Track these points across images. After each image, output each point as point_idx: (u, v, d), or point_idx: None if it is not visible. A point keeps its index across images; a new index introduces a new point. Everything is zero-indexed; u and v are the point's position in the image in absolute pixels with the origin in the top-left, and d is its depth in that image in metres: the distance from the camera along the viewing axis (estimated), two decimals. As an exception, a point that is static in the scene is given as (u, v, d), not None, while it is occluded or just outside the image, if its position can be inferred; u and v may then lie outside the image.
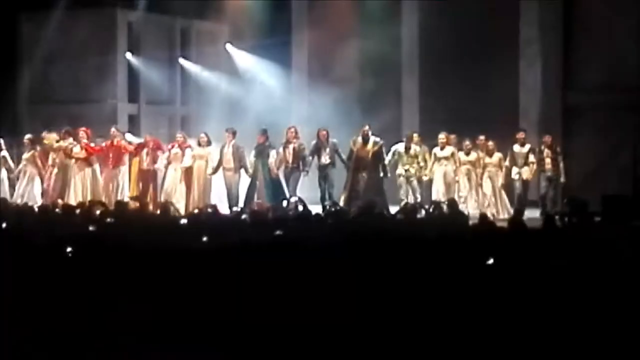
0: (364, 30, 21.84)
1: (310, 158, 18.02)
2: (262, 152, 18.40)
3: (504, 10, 20.64)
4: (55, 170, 19.12)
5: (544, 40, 20.36)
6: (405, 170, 18.04)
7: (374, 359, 6.57)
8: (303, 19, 22.96)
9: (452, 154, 18.06)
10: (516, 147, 17.79)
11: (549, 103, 19.80)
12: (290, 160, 18.18)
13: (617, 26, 19.83)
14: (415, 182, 18.00)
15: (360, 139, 17.94)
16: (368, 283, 6.98)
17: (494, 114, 19.30)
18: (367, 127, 17.97)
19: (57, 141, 19.03)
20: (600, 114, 19.92)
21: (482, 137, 18.10)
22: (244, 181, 18.41)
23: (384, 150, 17.88)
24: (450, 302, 6.74)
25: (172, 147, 19.10)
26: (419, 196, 17.80)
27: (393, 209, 13.39)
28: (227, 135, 18.54)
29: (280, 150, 18.10)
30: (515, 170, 17.72)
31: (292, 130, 18.28)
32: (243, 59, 23.65)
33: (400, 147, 18.15)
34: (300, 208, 12.89)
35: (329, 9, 22.31)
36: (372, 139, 17.91)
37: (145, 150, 19.14)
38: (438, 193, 17.85)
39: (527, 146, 17.79)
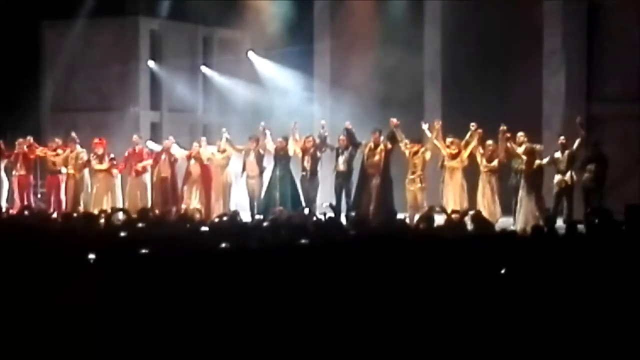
0: (386, 38, 21.87)
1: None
2: (280, 160, 18.50)
3: (527, 19, 20.60)
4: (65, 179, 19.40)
5: (567, 50, 20.28)
6: (411, 180, 17.94)
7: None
8: (325, 27, 22.98)
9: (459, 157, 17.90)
10: (557, 154, 17.52)
11: (572, 112, 19.68)
12: (309, 168, 18.31)
13: (640, 36, 19.76)
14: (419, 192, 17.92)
15: (371, 144, 18.05)
16: (391, 292, 6.95)
17: (517, 122, 19.19)
18: (377, 134, 18.07)
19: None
20: (623, 123, 19.83)
21: (520, 133, 17.74)
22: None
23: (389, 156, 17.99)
24: (474, 310, 6.71)
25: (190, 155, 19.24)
26: (425, 204, 17.57)
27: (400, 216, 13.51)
28: (251, 142, 18.69)
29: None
30: (557, 177, 17.38)
31: (310, 139, 18.46)
32: (265, 66, 23.70)
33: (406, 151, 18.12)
34: (322, 217, 12.84)
35: (351, 17, 22.37)
36: (382, 145, 17.99)
37: (163, 157, 19.25)
38: (447, 200, 17.64)
39: (567, 152, 17.43)
